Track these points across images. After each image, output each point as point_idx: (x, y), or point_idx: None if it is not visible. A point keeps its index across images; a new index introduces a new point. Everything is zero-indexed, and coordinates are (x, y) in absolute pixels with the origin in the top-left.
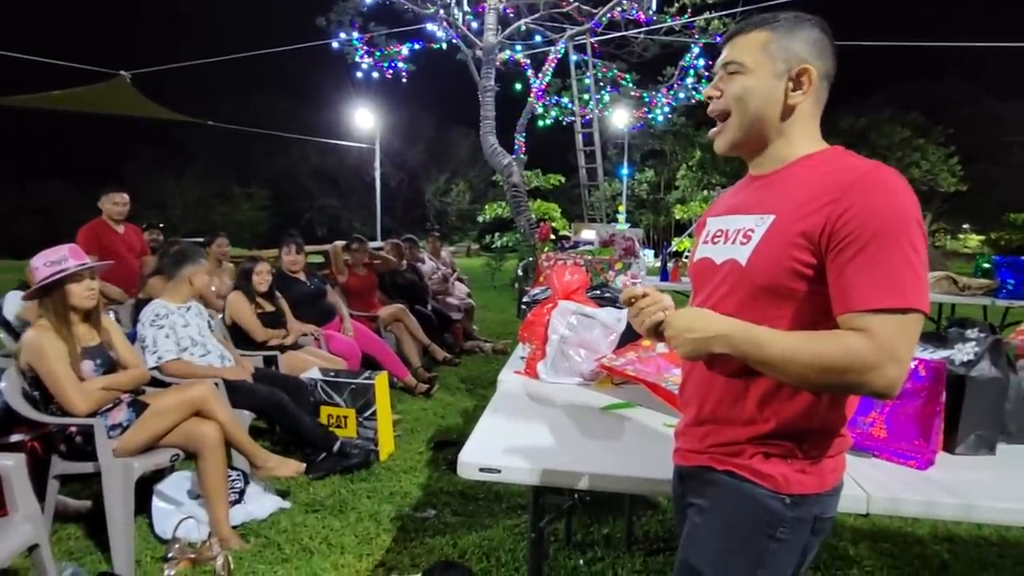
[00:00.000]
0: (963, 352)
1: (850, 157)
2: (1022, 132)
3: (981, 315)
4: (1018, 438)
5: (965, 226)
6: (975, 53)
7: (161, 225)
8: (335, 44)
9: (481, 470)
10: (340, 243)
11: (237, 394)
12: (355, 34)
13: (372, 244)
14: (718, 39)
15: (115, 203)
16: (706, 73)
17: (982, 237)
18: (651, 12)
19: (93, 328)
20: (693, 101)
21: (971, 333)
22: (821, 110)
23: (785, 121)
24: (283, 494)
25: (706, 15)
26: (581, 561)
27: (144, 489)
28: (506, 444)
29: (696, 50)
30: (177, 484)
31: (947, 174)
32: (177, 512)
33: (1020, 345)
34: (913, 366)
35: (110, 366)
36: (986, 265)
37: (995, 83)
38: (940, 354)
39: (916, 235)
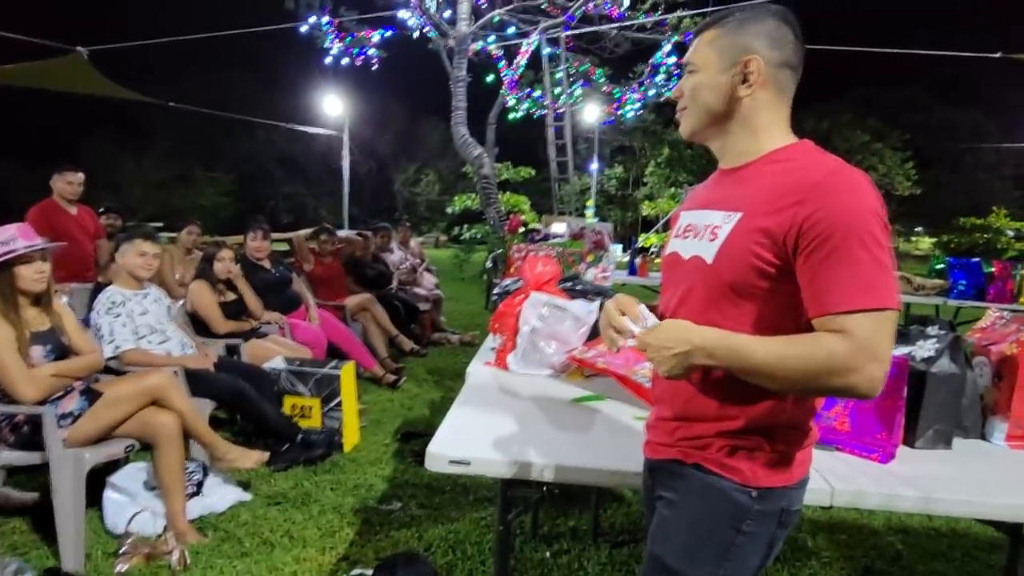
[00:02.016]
0: (924, 348)
1: (816, 154)
2: (972, 139)
3: (934, 314)
4: (973, 433)
5: (918, 229)
6: (931, 62)
7: (116, 208)
8: (304, 28)
9: (451, 462)
10: (304, 232)
11: (197, 383)
12: (325, 18)
13: (340, 233)
14: (689, 37)
15: (68, 182)
16: (676, 71)
17: (934, 240)
18: (624, 8)
19: (44, 312)
20: (663, 99)
21: (931, 330)
22: (786, 100)
23: (739, 113)
24: (244, 486)
25: (677, 13)
26: (548, 554)
27: (96, 481)
28: (475, 436)
29: (667, 47)
30: (132, 476)
31: (903, 178)
32: (131, 505)
33: (976, 343)
34: None
35: (61, 352)
36: (940, 266)
37: (949, 92)
38: (902, 350)
39: (882, 234)
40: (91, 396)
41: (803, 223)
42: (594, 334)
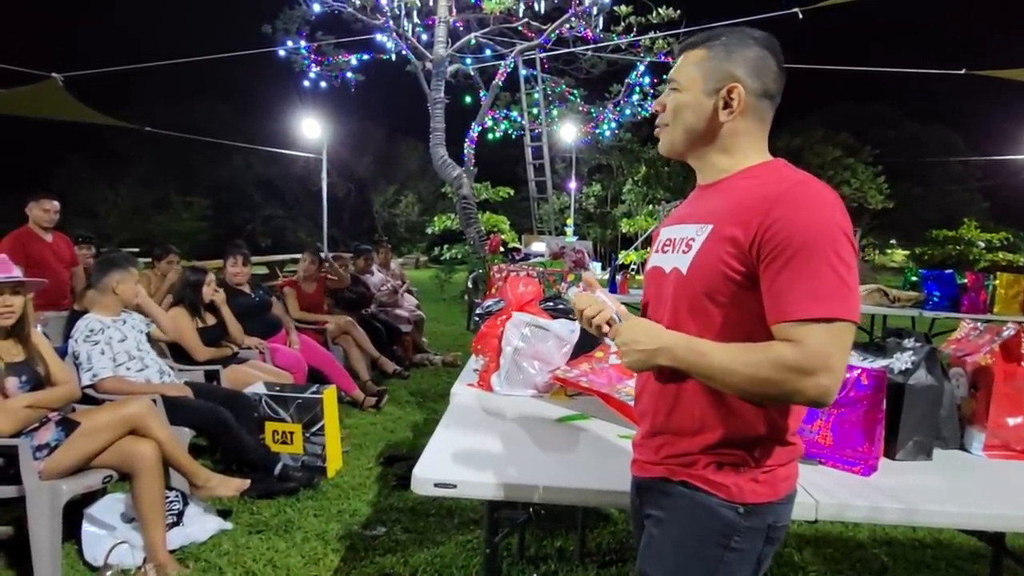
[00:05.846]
0: (901, 361)
1: (784, 169)
2: (940, 153)
3: (910, 326)
4: (952, 443)
5: (892, 241)
6: (899, 79)
7: (94, 239)
8: (281, 52)
9: (436, 485)
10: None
11: (176, 411)
12: (302, 43)
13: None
14: (663, 58)
15: (44, 209)
16: (651, 91)
17: (907, 252)
18: (598, 30)
19: (19, 343)
20: (639, 117)
21: (908, 343)
22: (764, 127)
23: (719, 136)
24: (225, 515)
25: (651, 35)
26: (535, 575)
27: (73, 513)
28: (461, 458)
29: (641, 68)
30: (109, 507)
31: (875, 192)
32: (109, 537)
33: (952, 354)
34: (856, 375)
35: (37, 383)
36: (914, 278)
37: (916, 107)
38: (880, 363)
39: (843, 246)
40: (68, 426)
41: (766, 232)
42: (577, 352)
